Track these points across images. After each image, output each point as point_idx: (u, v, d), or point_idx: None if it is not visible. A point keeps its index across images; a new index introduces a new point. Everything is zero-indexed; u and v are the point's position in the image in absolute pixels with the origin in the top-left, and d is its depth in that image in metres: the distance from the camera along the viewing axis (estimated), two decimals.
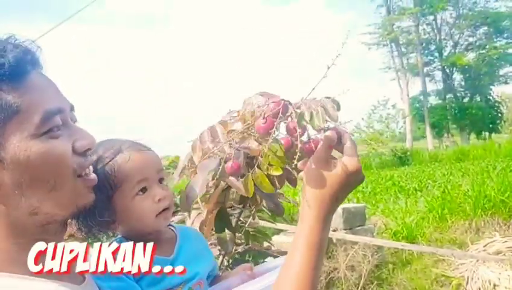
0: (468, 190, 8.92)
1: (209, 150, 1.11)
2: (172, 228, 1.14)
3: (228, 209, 1.42)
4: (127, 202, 1.03)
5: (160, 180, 1.07)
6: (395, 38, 37.67)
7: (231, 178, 1.17)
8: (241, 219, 1.65)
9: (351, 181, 0.97)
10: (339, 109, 0.92)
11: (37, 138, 0.81)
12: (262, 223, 2.32)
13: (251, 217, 1.81)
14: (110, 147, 1.04)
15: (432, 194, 10.05)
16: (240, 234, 1.66)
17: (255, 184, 1.01)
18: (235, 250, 1.73)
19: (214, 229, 1.37)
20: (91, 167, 0.92)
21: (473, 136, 38.35)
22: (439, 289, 6.03)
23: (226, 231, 1.37)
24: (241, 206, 1.40)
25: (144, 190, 1.03)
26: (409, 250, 6.77)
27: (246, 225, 1.63)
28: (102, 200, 1.00)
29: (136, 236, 1.02)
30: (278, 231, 6.14)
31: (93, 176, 0.92)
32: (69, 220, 0.94)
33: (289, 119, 0.93)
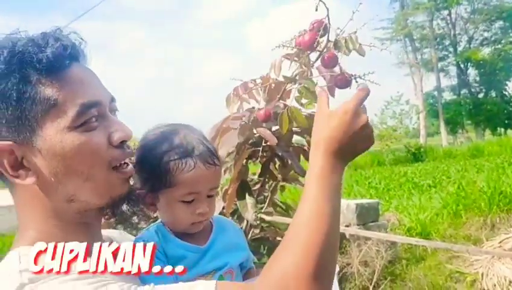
0: (483, 186, 8.83)
1: (243, 100, 1.17)
2: (210, 219, 1.15)
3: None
4: (171, 202, 1.06)
5: (210, 195, 1.08)
6: (409, 34, 37.31)
7: (261, 129, 1.23)
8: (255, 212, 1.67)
9: (350, 123, 0.92)
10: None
11: (73, 131, 0.85)
12: (274, 218, 2.33)
13: (266, 205, 1.83)
14: (185, 144, 1.04)
15: (446, 190, 9.96)
16: (257, 222, 1.68)
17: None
18: (253, 234, 1.75)
19: (236, 197, 1.41)
20: (128, 159, 0.95)
21: (488, 132, 37.87)
22: (454, 285, 5.98)
23: (247, 197, 1.41)
24: (260, 179, 1.43)
25: (191, 200, 1.06)
26: (423, 246, 6.73)
27: (264, 208, 1.66)
28: (152, 185, 1.05)
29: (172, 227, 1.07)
30: None
31: (129, 168, 0.95)
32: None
33: (324, 44, 0.99)
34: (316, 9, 0.97)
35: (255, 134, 1.28)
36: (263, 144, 1.28)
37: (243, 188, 1.43)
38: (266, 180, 1.58)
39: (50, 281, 0.76)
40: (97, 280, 0.77)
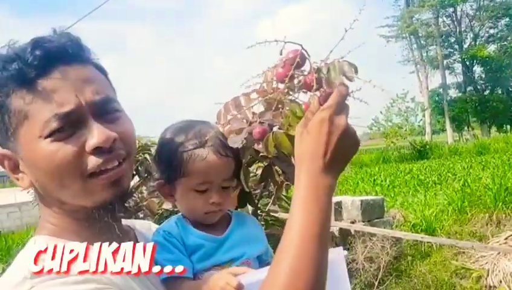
0: (488, 183, 8.80)
1: (233, 117, 1.15)
2: (230, 213, 1.18)
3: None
4: (186, 191, 1.09)
5: (224, 187, 1.11)
6: (414, 31, 37.17)
7: (259, 146, 1.22)
8: (260, 206, 1.68)
9: (330, 132, 0.85)
10: (356, 71, 0.92)
11: (43, 141, 0.86)
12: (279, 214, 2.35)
13: (271, 203, 1.84)
14: (199, 136, 1.08)
15: (452, 187, 9.94)
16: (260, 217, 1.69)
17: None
18: None
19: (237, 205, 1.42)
20: (113, 162, 0.90)
21: (493, 129, 37.73)
22: (459, 282, 5.99)
23: (248, 206, 1.41)
24: (261, 185, 1.43)
25: (204, 189, 1.09)
26: (428, 242, 6.73)
27: (268, 207, 1.67)
28: (169, 175, 1.10)
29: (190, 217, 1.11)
30: None
31: (113, 172, 0.90)
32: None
33: (306, 72, 0.94)
34: (281, 53, 0.94)
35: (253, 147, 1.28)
36: (261, 153, 1.28)
37: (243, 196, 1.43)
38: (267, 185, 1.57)
39: (48, 281, 0.79)
40: (94, 288, 0.79)
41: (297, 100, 0.99)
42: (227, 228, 1.12)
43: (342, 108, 0.87)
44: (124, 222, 1.08)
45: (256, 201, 1.46)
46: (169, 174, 1.10)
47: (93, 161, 0.87)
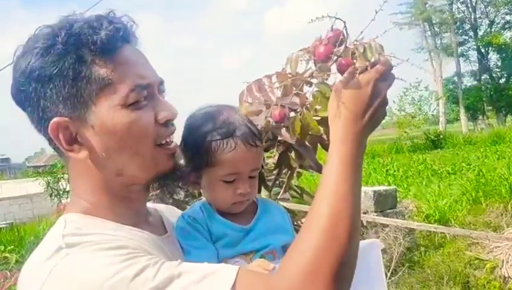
0: (504, 173, 8.70)
1: (255, 99, 1.14)
2: (255, 200, 1.16)
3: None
4: (213, 181, 1.08)
5: (252, 177, 1.09)
6: (428, 18, 36.65)
7: (281, 131, 1.21)
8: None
9: (372, 95, 0.88)
10: (383, 51, 0.92)
11: (124, 109, 0.89)
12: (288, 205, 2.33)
13: (282, 191, 1.83)
14: (227, 124, 1.06)
15: (466, 177, 9.85)
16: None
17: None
18: None
19: None
20: (172, 136, 0.99)
21: (509, 118, 37.16)
22: (473, 272, 5.94)
23: (263, 190, 1.40)
24: (275, 172, 1.42)
25: (232, 180, 1.07)
26: (441, 233, 6.69)
27: (279, 195, 1.66)
28: (195, 164, 1.08)
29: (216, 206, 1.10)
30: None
31: (173, 144, 0.99)
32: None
33: (342, 51, 0.93)
34: (331, 29, 0.93)
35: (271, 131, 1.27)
36: (279, 138, 1.26)
37: (259, 181, 1.43)
38: (282, 167, 1.57)
39: (84, 248, 0.81)
40: (127, 252, 0.80)
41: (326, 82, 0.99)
42: (254, 217, 1.10)
43: (385, 77, 0.90)
44: (150, 204, 1.13)
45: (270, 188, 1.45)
46: (195, 163, 1.07)
47: (163, 132, 0.95)
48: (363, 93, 0.87)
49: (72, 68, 0.87)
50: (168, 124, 0.96)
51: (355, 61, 0.91)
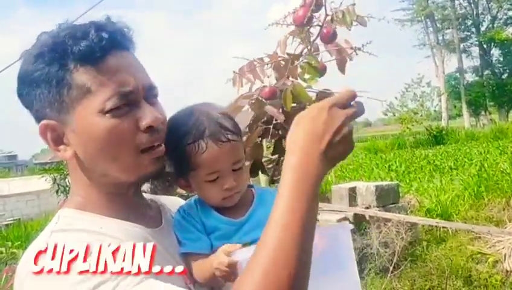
0: (506, 168, 8.71)
1: (248, 80, 1.17)
2: (253, 190, 1.17)
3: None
4: (199, 183, 1.09)
5: (235, 169, 1.09)
6: (430, 14, 36.55)
7: (269, 107, 1.22)
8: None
9: (327, 121, 0.83)
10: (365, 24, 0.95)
11: (102, 116, 0.92)
12: None
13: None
14: (197, 126, 1.06)
15: (468, 172, 9.85)
16: None
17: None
18: None
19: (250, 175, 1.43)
20: (158, 141, 1.00)
21: (511, 113, 37.05)
22: (475, 266, 5.96)
23: (261, 175, 1.43)
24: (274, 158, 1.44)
25: (215, 178, 1.08)
26: (443, 227, 6.71)
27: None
28: (180, 169, 1.10)
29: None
30: None
31: (160, 148, 1.00)
32: None
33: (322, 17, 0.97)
34: None
35: (266, 112, 1.30)
36: (274, 122, 1.28)
37: (256, 166, 1.45)
38: (281, 157, 1.59)
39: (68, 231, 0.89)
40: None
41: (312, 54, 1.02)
42: (249, 210, 1.11)
43: (344, 106, 0.86)
44: (151, 196, 1.17)
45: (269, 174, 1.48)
46: (179, 168, 1.10)
47: (145, 138, 0.97)
48: (318, 119, 0.84)
49: (56, 75, 0.92)
50: (150, 130, 0.97)
51: (334, 27, 0.95)
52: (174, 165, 1.10)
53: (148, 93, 1.00)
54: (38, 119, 0.96)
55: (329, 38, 0.97)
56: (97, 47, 0.92)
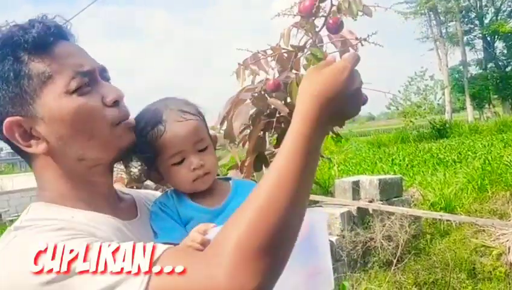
0: (510, 161, 8.68)
1: (252, 71, 1.17)
2: (230, 183, 1.18)
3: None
4: (167, 169, 1.10)
5: (200, 149, 1.10)
6: (433, 7, 36.33)
7: (272, 99, 1.23)
8: None
9: (346, 83, 0.84)
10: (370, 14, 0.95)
11: (69, 96, 0.93)
12: None
13: None
14: (155, 115, 1.09)
15: (472, 165, 9.82)
16: None
17: None
18: None
19: (253, 169, 1.43)
20: (127, 114, 1.02)
21: None
22: (479, 259, 5.96)
23: (264, 169, 1.43)
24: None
25: (181, 160, 1.09)
26: (447, 221, 6.71)
27: None
28: (148, 162, 1.11)
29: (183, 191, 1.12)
30: (313, 203, 6.19)
31: (131, 119, 1.03)
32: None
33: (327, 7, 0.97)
34: None
35: (270, 105, 1.30)
36: (277, 115, 1.29)
37: (259, 160, 1.45)
38: None
39: (29, 230, 0.85)
40: (67, 233, 0.83)
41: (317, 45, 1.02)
42: (225, 199, 1.12)
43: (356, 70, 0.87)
44: (128, 191, 1.18)
45: None
46: (146, 160, 1.11)
47: (114, 112, 0.98)
48: (338, 79, 0.83)
49: (12, 69, 0.92)
50: (117, 105, 0.99)
51: (340, 17, 0.94)
52: (142, 160, 1.12)
53: (103, 74, 1.02)
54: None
55: (336, 28, 0.97)
56: (47, 34, 0.94)
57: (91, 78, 0.96)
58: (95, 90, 0.97)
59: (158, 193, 1.24)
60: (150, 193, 1.24)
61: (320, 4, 1.00)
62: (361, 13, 0.99)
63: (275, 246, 0.77)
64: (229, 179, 1.21)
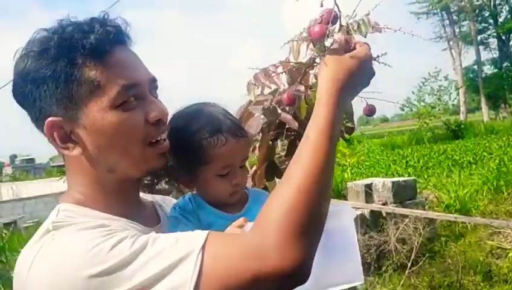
0: None
1: (264, 86, 1.20)
2: (246, 191, 1.22)
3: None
4: (209, 178, 1.13)
5: (241, 166, 1.16)
6: (446, 6, 36.04)
7: (282, 115, 1.26)
8: None
9: (370, 68, 1.01)
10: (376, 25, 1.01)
11: (113, 109, 0.93)
12: None
13: None
14: (212, 121, 1.11)
15: (488, 166, 9.71)
16: None
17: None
18: None
19: (265, 179, 1.45)
20: (163, 135, 1.02)
21: None
22: (495, 261, 5.89)
23: (276, 180, 1.46)
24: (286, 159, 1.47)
25: (226, 173, 1.12)
26: (462, 223, 6.64)
27: None
28: (187, 165, 1.13)
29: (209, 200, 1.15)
30: None
31: (165, 143, 1.02)
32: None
33: (337, 29, 1.00)
34: (321, 5, 0.97)
35: (278, 117, 1.33)
36: (287, 126, 1.32)
37: (271, 170, 1.47)
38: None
39: (68, 228, 0.87)
40: (108, 229, 0.86)
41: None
42: (245, 206, 1.16)
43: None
44: (147, 196, 1.19)
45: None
46: (187, 164, 1.12)
47: (153, 131, 0.99)
48: (363, 66, 0.98)
49: (64, 71, 0.91)
50: (158, 123, 0.99)
51: (346, 37, 0.99)
52: (180, 161, 1.12)
53: (152, 86, 1.02)
54: (41, 118, 0.95)
55: (347, 48, 1.00)
56: (105, 41, 0.93)
57: (139, 92, 0.97)
58: (140, 106, 0.97)
59: (170, 198, 1.28)
60: (166, 199, 1.27)
61: (330, 28, 1.02)
62: (372, 31, 1.01)
63: (315, 221, 0.86)
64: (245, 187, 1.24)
